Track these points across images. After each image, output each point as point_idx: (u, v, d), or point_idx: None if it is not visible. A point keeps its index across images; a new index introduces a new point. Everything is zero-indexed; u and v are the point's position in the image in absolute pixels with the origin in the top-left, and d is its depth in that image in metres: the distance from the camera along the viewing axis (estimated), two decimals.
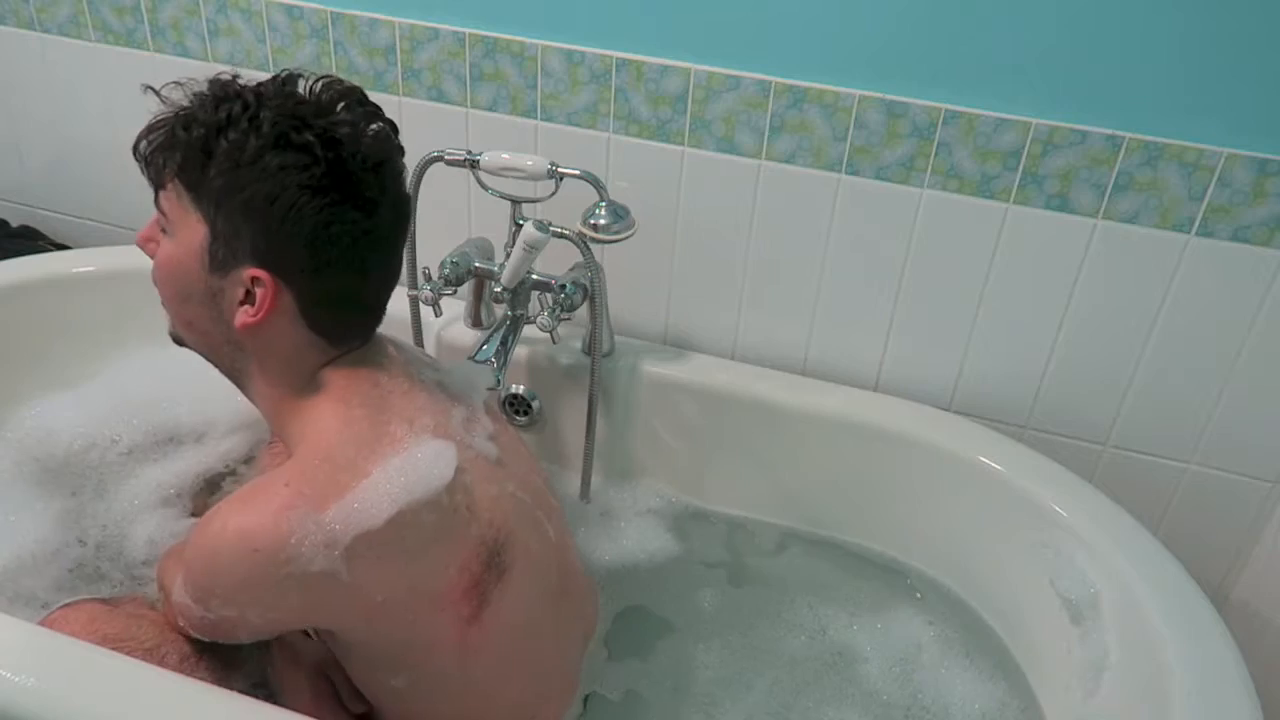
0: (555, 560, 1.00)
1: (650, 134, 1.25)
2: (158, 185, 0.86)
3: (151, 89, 0.87)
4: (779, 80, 1.17)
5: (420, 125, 1.34)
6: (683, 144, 1.24)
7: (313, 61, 1.34)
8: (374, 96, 1.33)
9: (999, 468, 1.20)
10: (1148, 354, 1.19)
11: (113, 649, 0.94)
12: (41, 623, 0.99)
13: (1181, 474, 1.25)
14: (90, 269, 1.45)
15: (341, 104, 0.85)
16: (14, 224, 1.64)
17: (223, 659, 1.00)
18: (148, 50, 1.42)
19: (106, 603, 1.04)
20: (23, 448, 1.30)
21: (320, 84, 0.86)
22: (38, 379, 1.37)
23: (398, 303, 1.31)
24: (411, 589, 0.86)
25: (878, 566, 1.30)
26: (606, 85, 1.23)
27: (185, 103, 0.85)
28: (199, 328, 0.91)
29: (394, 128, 0.90)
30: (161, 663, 0.95)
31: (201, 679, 0.94)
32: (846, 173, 1.20)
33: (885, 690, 1.15)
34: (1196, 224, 1.11)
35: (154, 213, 0.90)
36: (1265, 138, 1.06)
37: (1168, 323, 1.17)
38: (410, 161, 1.23)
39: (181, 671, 0.95)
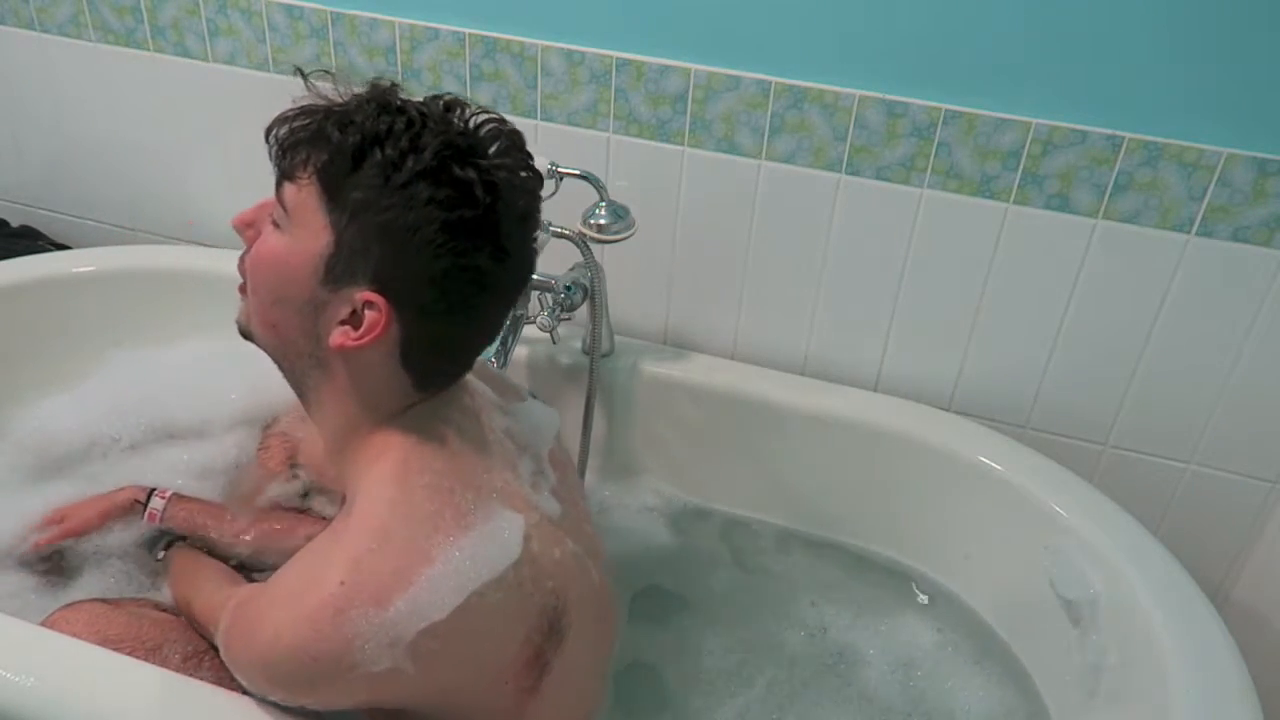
0: (599, 600, 0.95)
1: (650, 134, 1.25)
2: (286, 176, 0.78)
3: (300, 72, 0.81)
4: (779, 80, 1.17)
5: None
6: (683, 144, 1.24)
7: (312, 61, 1.34)
8: None
9: (999, 468, 1.20)
10: (1148, 354, 1.19)
11: (114, 650, 0.94)
12: (42, 623, 0.99)
13: (1181, 474, 1.25)
14: (90, 269, 1.45)
15: (505, 146, 0.79)
16: (14, 224, 1.64)
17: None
18: (148, 50, 1.42)
19: (108, 603, 1.05)
20: (23, 447, 1.30)
21: (485, 120, 0.80)
22: (37, 378, 1.37)
23: None
24: (476, 670, 0.81)
25: (879, 566, 1.30)
26: (606, 85, 1.23)
27: (335, 98, 0.79)
28: (283, 333, 0.83)
29: (541, 179, 0.84)
30: (164, 663, 0.95)
31: (203, 679, 0.94)
32: (846, 173, 1.20)
33: (886, 693, 1.15)
34: (1196, 224, 1.11)
35: (256, 204, 0.84)
36: (1265, 138, 1.06)
37: (1168, 323, 1.17)
38: None
39: (184, 670, 0.95)
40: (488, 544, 0.80)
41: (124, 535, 1.18)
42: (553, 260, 1.23)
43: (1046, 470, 1.19)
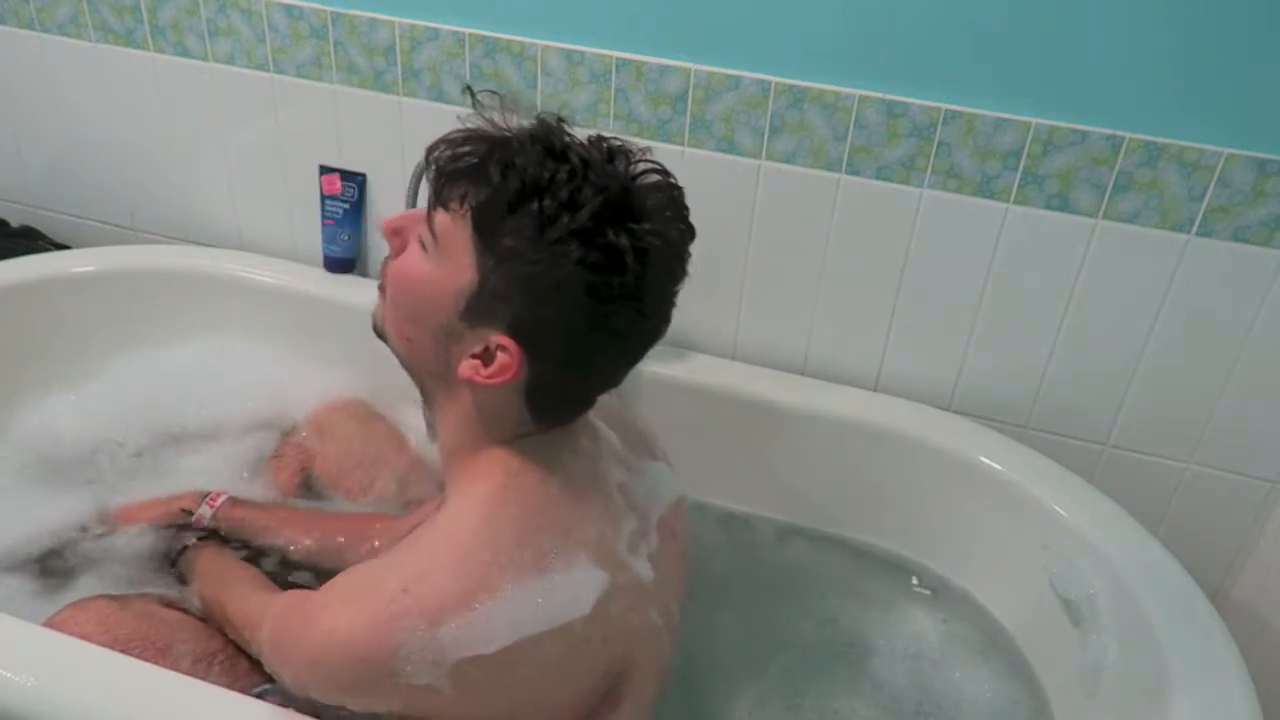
0: (663, 676, 0.94)
1: (650, 134, 1.25)
2: (441, 202, 0.77)
3: (469, 90, 0.80)
4: (779, 80, 1.17)
5: (419, 126, 1.34)
6: (683, 144, 1.24)
7: (313, 61, 1.34)
8: (374, 96, 1.35)
9: (999, 468, 1.20)
10: (1148, 354, 1.19)
11: (124, 650, 0.94)
12: (50, 621, 0.99)
13: (1181, 474, 1.25)
14: (90, 269, 1.45)
15: (663, 203, 0.78)
16: (14, 224, 1.64)
17: (236, 662, 1.00)
18: (148, 50, 1.42)
19: (115, 600, 1.05)
20: (26, 449, 1.30)
21: (646, 170, 0.78)
22: (38, 379, 1.37)
23: None
24: (514, 710, 0.80)
25: (882, 560, 1.30)
26: (606, 85, 1.23)
27: (498, 123, 0.77)
28: (416, 349, 0.84)
29: (693, 234, 0.83)
30: (174, 664, 0.95)
31: (214, 681, 0.94)
32: (846, 173, 1.20)
33: (897, 682, 1.15)
34: (1196, 224, 1.11)
35: (401, 221, 0.83)
36: (1265, 138, 1.06)
37: (1168, 323, 1.17)
38: (410, 162, 1.25)
39: (194, 672, 0.94)
40: (558, 593, 0.79)
41: (128, 538, 1.19)
42: None
43: (1046, 470, 1.19)
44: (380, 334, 0.88)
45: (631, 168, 0.78)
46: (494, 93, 0.79)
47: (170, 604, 1.08)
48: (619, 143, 0.79)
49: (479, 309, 0.77)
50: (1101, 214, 1.13)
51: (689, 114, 1.22)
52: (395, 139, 1.36)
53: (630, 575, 0.85)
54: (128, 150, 1.52)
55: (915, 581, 1.28)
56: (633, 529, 0.88)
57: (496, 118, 0.78)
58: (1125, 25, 1.04)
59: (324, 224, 1.45)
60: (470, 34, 1.26)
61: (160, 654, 0.98)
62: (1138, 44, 1.05)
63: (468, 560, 0.77)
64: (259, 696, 0.96)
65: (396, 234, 0.83)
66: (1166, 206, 1.11)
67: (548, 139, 0.76)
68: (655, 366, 1.34)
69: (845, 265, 1.26)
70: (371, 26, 1.29)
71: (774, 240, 1.27)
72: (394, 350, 0.87)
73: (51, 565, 1.17)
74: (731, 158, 1.23)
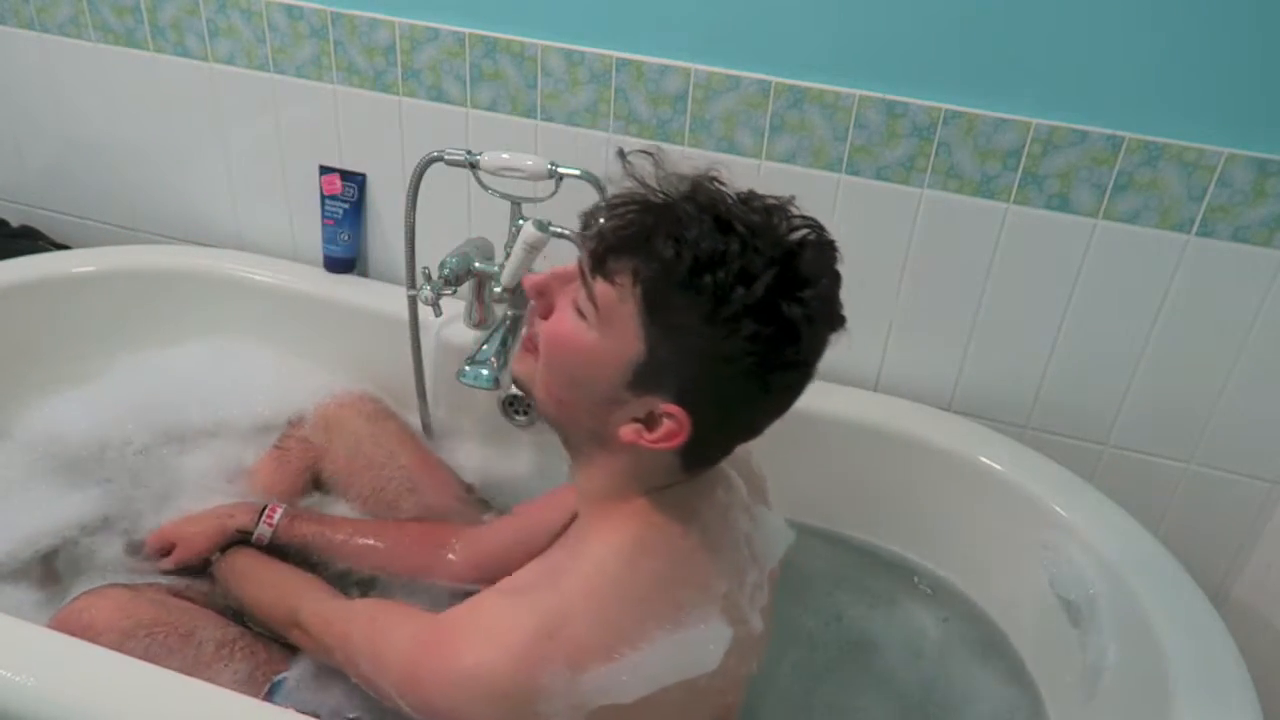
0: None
1: (650, 134, 1.24)
2: (602, 273, 0.76)
3: (621, 154, 0.79)
4: (779, 80, 1.17)
5: (420, 125, 1.34)
6: (683, 144, 1.24)
7: (313, 61, 1.34)
8: (374, 96, 1.35)
9: (999, 468, 1.20)
10: (1148, 354, 1.19)
11: (147, 634, 0.96)
12: (67, 609, 0.99)
13: (1181, 474, 1.25)
14: (90, 269, 1.45)
15: (824, 263, 0.77)
16: (14, 224, 1.64)
17: (256, 649, 1.01)
18: (148, 50, 1.42)
19: (130, 588, 1.06)
20: (29, 449, 1.30)
21: (804, 229, 0.77)
22: (38, 379, 1.37)
23: (396, 303, 1.33)
24: None
25: (883, 561, 1.30)
26: (606, 85, 1.23)
27: (654, 185, 0.76)
28: (570, 409, 0.83)
29: (839, 281, 0.81)
30: (198, 650, 0.97)
31: (236, 670, 0.96)
32: (846, 173, 1.20)
33: (903, 679, 1.15)
34: (1196, 224, 1.11)
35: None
36: (1265, 138, 1.06)
37: (1168, 323, 1.17)
38: (410, 162, 1.25)
39: (218, 658, 0.97)
40: (692, 649, 0.81)
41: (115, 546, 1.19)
42: (553, 260, 1.23)
43: (1046, 470, 1.19)
44: (524, 388, 0.88)
45: (790, 227, 0.77)
46: (647, 153, 0.78)
47: (178, 593, 1.08)
48: (773, 201, 0.78)
49: (645, 379, 0.77)
50: (1101, 214, 1.13)
51: (689, 114, 1.22)
52: (395, 139, 1.37)
53: (747, 629, 0.87)
54: (128, 150, 1.52)
55: (916, 580, 1.28)
56: (753, 582, 0.89)
57: (650, 179, 0.77)
58: (1125, 25, 1.04)
59: (324, 224, 1.45)
60: (470, 34, 1.26)
61: (184, 639, 1.00)
62: (1138, 44, 1.05)
63: (610, 610, 0.78)
64: (279, 683, 0.97)
65: (542, 295, 0.82)
66: (1166, 206, 1.11)
67: (713, 207, 0.74)
68: None
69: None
70: (371, 26, 1.29)
71: None
72: (541, 407, 0.86)
73: (54, 565, 1.17)
74: (731, 158, 1.23)
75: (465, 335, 1.36)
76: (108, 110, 1.49)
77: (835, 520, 1.33)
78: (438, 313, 1.26)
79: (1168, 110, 1.07)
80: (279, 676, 1.00)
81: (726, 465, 0.90)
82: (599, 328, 0.77)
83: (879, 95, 1.14)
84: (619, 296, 0.75)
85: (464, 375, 1.20)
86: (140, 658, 0.93)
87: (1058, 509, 1.14)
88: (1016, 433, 1.28)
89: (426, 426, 1.39)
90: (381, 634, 0.86)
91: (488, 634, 0.77)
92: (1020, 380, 1.26)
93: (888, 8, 1.10)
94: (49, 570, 1.16)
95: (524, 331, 0.87)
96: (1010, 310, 1.22)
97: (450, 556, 1.13)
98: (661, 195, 0.76)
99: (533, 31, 1.24)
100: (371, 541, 1.15)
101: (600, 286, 0.76)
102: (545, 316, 0.82)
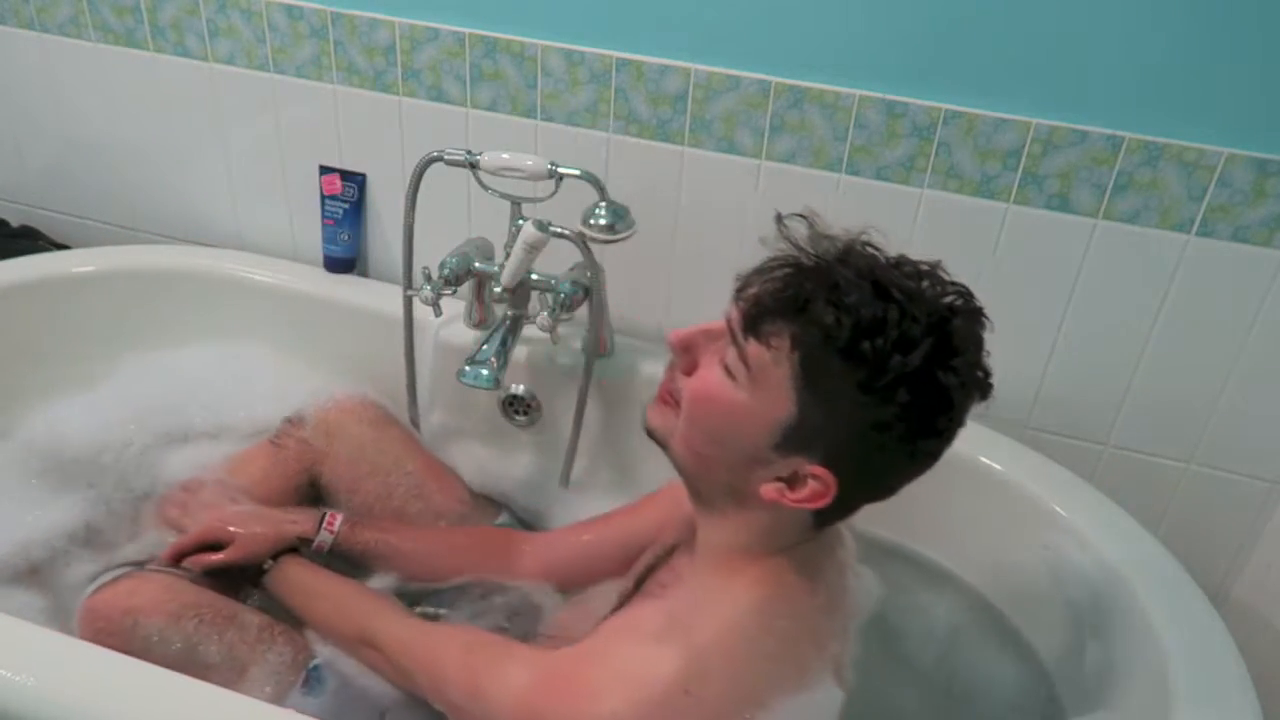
0: None
1: (650, 134, 1.25)
2: (756, 335, 0.76)
3: (778, 218, 0.80)
4: (779, 80, 1.17)
5: (420, 125, 1.34)
6: (683, 144, 1.24)
7: (313, 61, 1.34)
8: (374, 96, 1.35)
9: (999, 468, 1.20)
10: (1148, 354, 1.19)
11: (195, 615, 0.98)
12: (103, 593, 0.99)
13: (1181, 474, 1.25)
14: (90, 269, 1.45)
15: (977, 339, 0.79)
16: (14, 224, 1.64)
17: (295, 634, 1.02)
18: (148, 50, 1.42)
19: (166, 573, 1.06)
20: (31, 449, 1.29)
21: (954, 292, 0.78)
22: (38, 379, 1.37)
23: (396, 303, 1.33)
24: None
25: (887, 551, 1.29)
26: (606, 85, 1.23)
27: (809, 248, 0.78)
28: (708, 465, 0.83)
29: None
30: (241, 631, 0.99)
31: (280, 652, 0.98)
32: (846, 173, 1.20)
33: (925, 664, 1.16)
34: (1196, 224, 1.11)
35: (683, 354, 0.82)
36: (1265, 138, 1.06)
37: (1168, 323, 1.17)
38: (410, 162, 1.25)
39: (260, 640, 0.98)
40: (811, 709, 0.82)
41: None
42: (553, 260, 1.23)
43: (1046, 470, 1.19)
44: (659, 439, 0.87)
45: (942, 292, 0.78)
46: (802, 216, 0.80)
47: (195, 581, 1.08)
48: (925, 265, 0.79)
49: (794, 440, 0.77)
50: (1101, 214, 1.13)
51: (689, 114, 1.22)
52: (395, 139, 1.37)
53: (848, 688, 0.87)
54: (128, 150, 1.52)
55: (924, 573, 1.28)
56: (851, 640, 0.90)
57: (804, 241, 0.78)
58: (1125, 26, 1.04)
59: (324, 224, 1.45)
60: (470, 34, 1.26)
61: (228, 621, 1.01)
62: (1137, 44, 1.05)
63: (743, 669, 0.79)
64: (316, 669, 0.98)
65: (687, 350, 0.82)
66: (1166, 206, 1.11)
67: (870, 272, 0.75)
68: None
69: None
70: (371, 26, 1.29)
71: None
72: (677, 461, 0.86)
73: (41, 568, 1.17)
74: (731, 157, 1.23)
75: (465, 335, 1.36)
76: (108, 110, 1.49)
77: None
78: (437, 313, 1.26)
79: (1168, 110, 1.07)
80: (314, 663, 1.00)
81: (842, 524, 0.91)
82: (749, 388, 0.78)
83: (879, 95, 1.14)
84: (773, 359, 0.76)
85: (464, 375, 1.20)
86: (189, 638, 0.96)
87: (1058, 509, 1.14)
88: (1016, 433, 1.28)
89: (415, 423, 1.39)
90: (485, 669, 0.86)
91: (624, 681, 0.78)
92: (1020, 380, 1.26)
93: (888, 8, 1.10)
94: (37, 572, 1.16)
95: (665, 382, 0.86)
96: (1010, 310, 1.22)
97: (520, 561, 1.14)
98: (817, 258, 0.77)
99: (533, 31, 1.24)
100: (435, 547, 1.16)
101: (754, 348, 0.77)
102: (688, 372, 0.82)
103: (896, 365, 0.72)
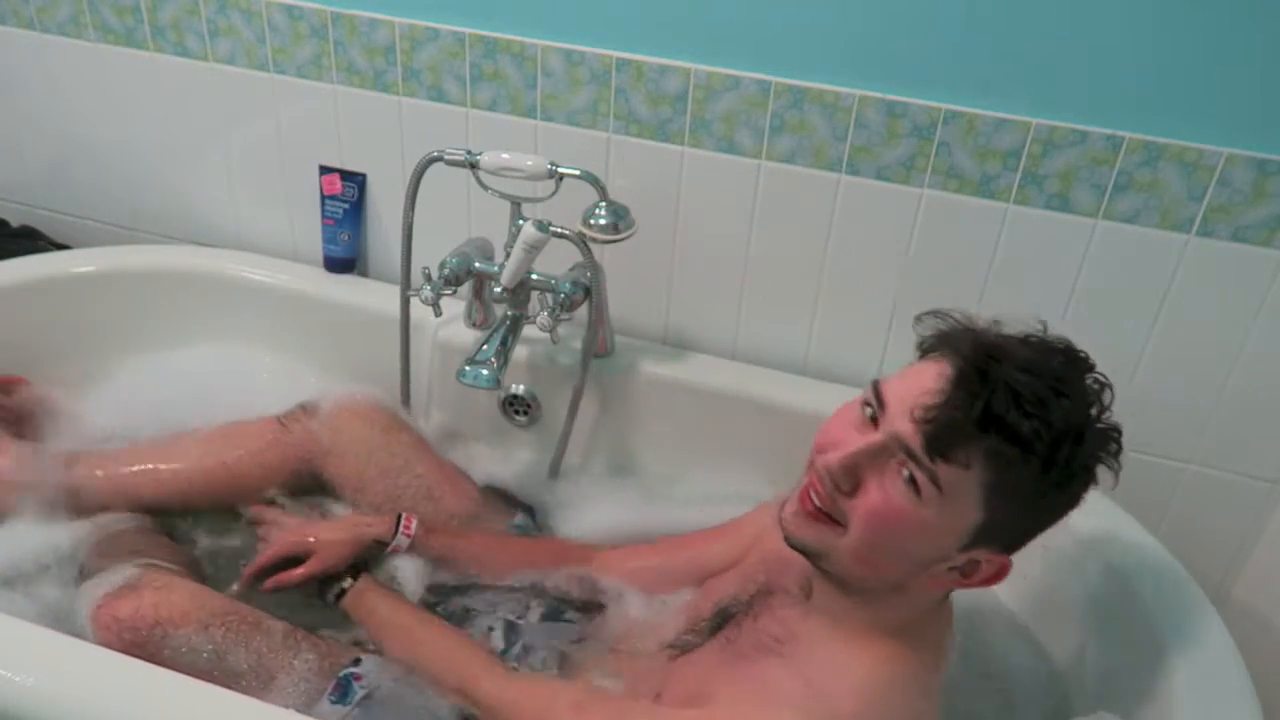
0: None
1: (650, 134, 1.25)
2: (946, 456, 0.77)
3: (919, 320, 0.85)
4: (779, 80, 1.17)
5: (420, 125, 1.34)
6: (683, 144, 1.24)
7: (312, 61, 1.34)
8: (374, 96, 1.35)
9: None
10: (1148, 354, 1.19)
11: (222, 624, 0.98)
12: (125, 603, 0.99)
13: (1181, 474, 1.25)
14: (90, 269, 1.45)
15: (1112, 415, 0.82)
16: (14, 224, 1.64)
17: (319, 641, 1.03)
18: (148, 50, 1.42)
19: (183, 577, 1.07)
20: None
21: (1098, 383, 0.83)
22: (38, 379, 1.37)
23: (396, 303, 1.33)
24: None
25: None
26: (606, 85, 1.23)
27: (964, 352, 0.80)
28: (885, 571, 0.84)
29: None
30: (267, 636, 1.00)
31: (307, 658, 0.99)
32: (846, 173, 1.20)
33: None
34: (1196, 224, 1.11)
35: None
36: (1265, 138, 1.06)
37: (1168, 323, 1.17)
38: (410, 162, 1.25)
39: (286, 646, 1.00)
40: None
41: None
42: (553, 260, 1.23)
43: None
44: (809, 553, 0.87)
45: (1085, 369, 0.83)
46: (954, 319, 0.84)
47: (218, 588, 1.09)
48: (1060, 344, 0.84)
49: (977, 539, 0.80)
50: (1101, 214, 1.13)
51: (689, 114, 1.22)
52: (395, 139, 1.37)
53: None
54: (128, 150, 1.52)
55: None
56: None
57: (954, 341, 0.81)
58: (1125, 25, 1.04)
59: (324, 224, 1.45)
60: (470, 34, 1.26)
61: (253, 627, 1.01)
62: (1138, 44, 1.05)
63: None
64: (346, 679, 0.98)
65: (852, 474, 0.81)
66: (1166, 206, 1.11)
67: (1037, 369, 0.78)
68: (655, 366, 1.34)
69: (845, 265, 1.26)
70: (371, 26, 1.29)
71: (774, 240, 1.27)
72: (834, 569, 0.86)
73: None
74: (731, 158, 1.23)
75: (465, 335, 1.36)
76: (108, 110, 1.49)
77: None
78: (437, 313, 1.26)
79: (1168, 110, 1.07)
80: (345, 672, 1.00)
81: None
82: (936, 504, 0.78)
83: (879, 95, 1.14)
84: (964, 476, 0.77)
85: (464, 375, 1.20)
86: (217, 647, 0.97)
87: None
88: None
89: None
90: None
91: None
92: None
93: (887, 8, 1.10)
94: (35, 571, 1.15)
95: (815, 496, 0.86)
96: (1010, 311, 1.22)
97: (592, 574, 1.15)
98: (981, 363, 0.78)
99: (533, 31, 1.24)
100: (506, 558, 1.16)
101: (943, 469, 0.77)
102: (850, 493, 0.82)
103: (1075, 458, 0.78)
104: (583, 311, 1.25)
